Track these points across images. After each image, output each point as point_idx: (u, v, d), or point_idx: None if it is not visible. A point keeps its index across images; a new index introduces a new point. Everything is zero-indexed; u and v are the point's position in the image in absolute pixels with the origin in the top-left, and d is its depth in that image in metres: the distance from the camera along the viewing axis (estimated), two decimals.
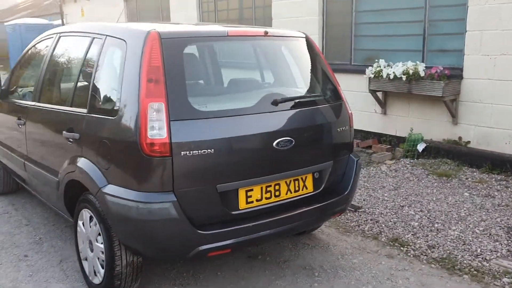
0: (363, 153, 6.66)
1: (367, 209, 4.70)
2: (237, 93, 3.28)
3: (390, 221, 4.41)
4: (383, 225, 4.34)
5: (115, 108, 2.88)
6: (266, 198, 3.06)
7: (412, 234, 4.14)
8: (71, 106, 3.36)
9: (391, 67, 6.21)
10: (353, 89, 6.99)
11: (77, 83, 3.39)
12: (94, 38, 3.34)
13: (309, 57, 3.56)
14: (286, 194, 3.16)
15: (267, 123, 3.01)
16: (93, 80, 3.17)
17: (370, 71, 6.42)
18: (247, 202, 2.97)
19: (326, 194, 3.40)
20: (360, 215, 4.57)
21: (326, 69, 3.57)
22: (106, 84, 3.10)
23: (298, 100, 3.26)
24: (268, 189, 3.06)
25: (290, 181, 3.17)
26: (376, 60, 6.43)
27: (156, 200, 2.66)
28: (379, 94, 6.65)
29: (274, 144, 2.98)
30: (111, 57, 3.11)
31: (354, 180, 3.54)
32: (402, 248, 3.94)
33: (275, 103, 3.07)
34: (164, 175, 2.67)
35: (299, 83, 3.51)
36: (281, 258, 3.80)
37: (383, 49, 6.73)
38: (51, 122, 3.64)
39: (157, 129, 2.65)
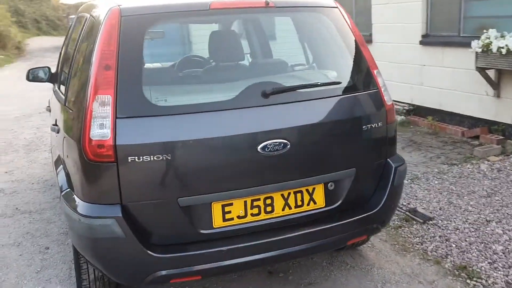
0: (466, 144, 5.49)
1: (440, 221, 3.73)
2: (213, 82, 2.64)
3: (465, 240, 3.42)
4: (453, 245, 3.38)
5: (73, 99, 2.48)
6: (253, 215, 2.43)
7: (489, 263, 3.14)
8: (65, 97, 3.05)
9: (504, 38, 4.92)
10: (462, 66, 5.77)
11: (70, 68, 3.07)
12: (85, 18, 2.98)
13: (332, 34, 2.77)
14: (283, 210, 2.49)
15: (252, 121, 2.36)
16: (71, 65, 2.81)
17: (476, 44, 5.18)
18: (225, 219, 2.38)
19: (346, 210, 2.64)
20: (428, 228, 3.64)
21: (358, 49, 2.73)
22: (75, 70, 2.71)
23: (300, 89, 2.52)
24: (256, 203, 2.42)
25: (289, 193, 2.49)
26: (485, 30, 5.16)
27: (97, 215, 2.21)
28: (491, 73, 5.36)
29: (259, 148, 2.32)
30: (85, 40, 2.71)
31: (390, 193, 2.71)
32: (469, 281, 2.99)
33: (265, 94, 2.39)
34: (108, 185, 2.20)
35: (309, 68, 2.75)
36: (306, 279, 3.12)
37: (501, 16, 5.39)
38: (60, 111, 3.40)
39: (100, 128, 2.18)
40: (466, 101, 5.85)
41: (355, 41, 2.73)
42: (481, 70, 5.30)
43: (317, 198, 2.55)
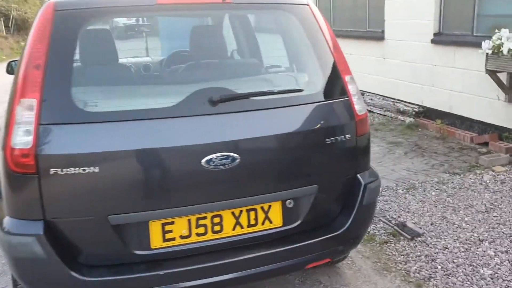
0: (474, 151, 5.15)
1: (429, 238, 3.46)
2: (154, 85, 2.42)
3: (453, 261, 3.15)
4: (439, 266, 3.11)
5: (7, 102, 2.31)
6: (198, 235, 2.23)
7: None
8: None
9: None
10: (473, 68, 5.42)
11: None
12: None
13: (299, 35, 2.52)
14: (234, 229, 2.28)
15: (195, 132, 2.15)
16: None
17: (487, 45, 4.82)
18: (165, 240, 2.18)
19: (307, 231, 2.42)
20: (415, 246, 3.37)
21: (328, 52, 2.48)
22: (16, 70, 2.54)
23: (254, 97, 2.29)
24: (202, 222, 2.22)
25: (241, 212, 2.27)
26: (497, 30, 4.79)
27: (17, 231, 2.03)
28: (502, 76, 5.00)
29: (203, 162, 2.11)
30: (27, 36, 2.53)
31: (358, 213, 2.47)
32: None
33: (213, 102, 2.17)
34: (30, 199, 2.02)
35: (272, 73, 2.51)
36: None
37: None
38: None
39: (23, 136, 1.99)
40: (477, 105, 5.50)
41: (326, 43, 2.48)
42: (492, 73, 4.94)
43: (274, 217, 2.33)
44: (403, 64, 6.64)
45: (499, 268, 3.03)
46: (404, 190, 4.27)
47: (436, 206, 3.92)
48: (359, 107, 2.48)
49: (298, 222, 2.38)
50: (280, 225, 2.35)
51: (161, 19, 2.91)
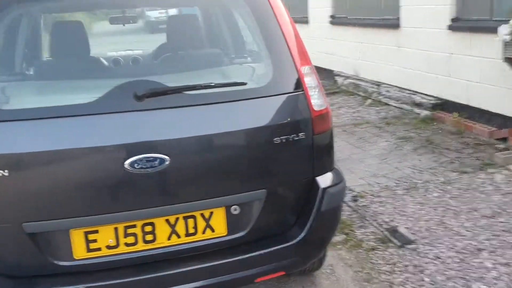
0: (490, 148, 4.71)
1: (421, 245, 3.11)
2: (71, 80, 2.17)
3: (444, 273, 2.80)
4: (426, 278, 2.78)
5: None
6: (128, 245, 1.99)
7: None
8: None
9: None
10: (491, 56, 4.95)
11: None
12: None
13: (249, 20, 2.23)
14: (169, 239, 2.03)
15: (116, 130, 1.91)
16: None
17: (504, 31, 4.36)
18: (89, 250, 1.96)
19: (257, 241, 2.15)
20: (404, 254, 3.04)
21: (282, 40, 2.18)
22: None
23: (189, 91, 2.01)
24: (131, 231, 1.98)
25: (177, 219, 2.02)
26: None
27: None
28: None
29: (126, 164, 1.87)
30: None
31: (315, 221, 2.17)
32: None
33: (138, 96, 1.92)
34: None
35: (210, 62, 2.23)
36: None
37: None
38: None
39: None
40: (495, 97, 5.03)
41: (280, 29, 2.18)
42: (510, 61, 4.48)
43: (216, 225, 2.07)
44: (419, 53, 6.20)
45: (495, 284, 2.67)
46: (404, 190, 3.91)
47: (435, 209, 3.55)
48: (317, 101, 2.18)
49: (246, 230, 2.11)
50: (224, 234, 2.09)
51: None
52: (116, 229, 1.96)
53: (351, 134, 5.57)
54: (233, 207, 2.07)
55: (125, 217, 1.95)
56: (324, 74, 8.53)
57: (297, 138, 2.10)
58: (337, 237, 3.23)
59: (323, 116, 2.20)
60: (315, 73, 2.23)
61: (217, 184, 2.04)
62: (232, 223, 2.09)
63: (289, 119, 2.11)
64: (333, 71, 8.63)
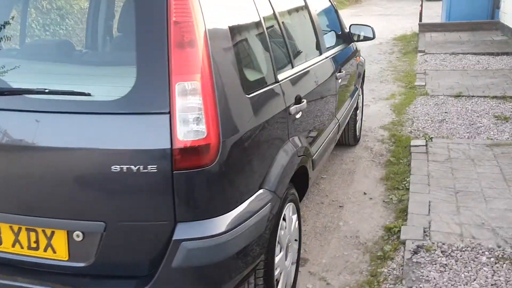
0: None
1: None
2: None
3: None
4: None
5: None
6: None
7: None
8: None
9: None
10: None
11: None
12: None
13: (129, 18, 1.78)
14: (14, 246, 1.92)
15: None
16: None
17: None
18: None
19: (101, 276, 1.85)
20: None
21: (162, 41, 1.67)
22: None
23: (16, 94, 1.75)
24: None
25: (20, 229, 1.89)
26: None
27: None
28: None
29: None
30: None
31: (163, 276, 1.75)
32: None
33: None
34: None
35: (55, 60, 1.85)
36: None
37: None
38: None
39: None
40: None
41: (167, 30, 1.69)
42: None
43: (58, 247, 1.86)
44: None
45: None
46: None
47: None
48: (188, 129, 1.66)
49: (89, 262, 1.83)
50: (65, 259, 1.87)
51: None
52: None
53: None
54: (75, 232, 1.82)
55: None
56: None
57: (145, 170, 1.66)
58: None
59: (195, 149, 1.66)
60: (206, 93, 1.68)
61: (54, 203, 1.80)
62: (75, 249, 1.85)
63: (135, 146, 1.67)
64: None
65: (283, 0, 2.85)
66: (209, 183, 1.73)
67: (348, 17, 18.22)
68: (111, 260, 1.81)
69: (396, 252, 2.93)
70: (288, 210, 2.41)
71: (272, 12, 2.49)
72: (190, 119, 1.67)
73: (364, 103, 6.33)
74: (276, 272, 2.25)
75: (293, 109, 2.37)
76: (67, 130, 1.74)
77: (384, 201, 3.67)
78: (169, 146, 1.65)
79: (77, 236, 1.81)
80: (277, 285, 2.31)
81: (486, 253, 2.79)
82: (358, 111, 4.69)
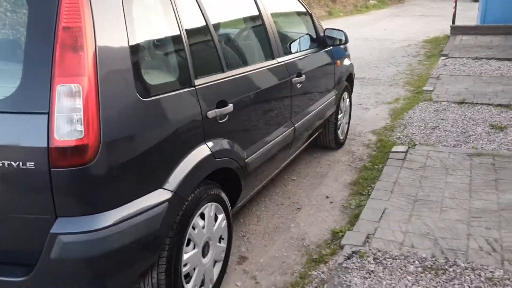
0: None
1: None
2: None
3: None
4: None
5: None
6: None
7: None
8: None
9: None
10: None
11: None
12: None
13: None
14: None
15: None
16: None
17: None
18: None
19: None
20: None
21: (48, 40, 1.80)
22: None
23: None
24: None
25: None
26: None
27: None
28: None
29: None
30: None
31: (42, 267, 1.89)
32: None
33: None
34: None
35: None
36: None
37: None
38: None
39: None
40: None
41: (54, 31, 1.82)
42: None
43: None
44: None
45: None
46: None
47: None
48: (63, 130, 1.80)
49: None
50: None
51: None
52: None
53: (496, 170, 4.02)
54: None
55: None
56: None
57: (24, 167, 1.81)
58: None
59: (72, 148, 1.80)
60: (88, 95, 1.81)
61: None
62: None
63: (15, 144, 1.83)
64: None
65: (219, 5, 2.93)
66: (88, 181, 1.85)
67: (384, 17, 17.98)
68: (1, 247, 1.98)
69: (332, 257, 2.98)
70: (209, 209, 2.51)
71: (202, 17, 2.57)
72: (68, 120, 1.80)
73: (364, 107, 6.33)
74: (186, 268, 2.36)
75: (211, 113, 2.46)
76: None
77: (343, 205, 3.69)
78: (45, 145, 1.79)
79: None
80: (190, 280, 2.42)
81: (417, 262, 2.79)
82: (340, 115, 4.70)
